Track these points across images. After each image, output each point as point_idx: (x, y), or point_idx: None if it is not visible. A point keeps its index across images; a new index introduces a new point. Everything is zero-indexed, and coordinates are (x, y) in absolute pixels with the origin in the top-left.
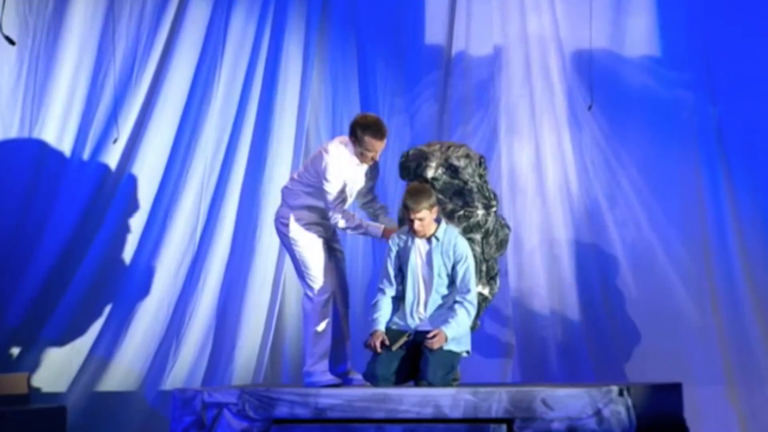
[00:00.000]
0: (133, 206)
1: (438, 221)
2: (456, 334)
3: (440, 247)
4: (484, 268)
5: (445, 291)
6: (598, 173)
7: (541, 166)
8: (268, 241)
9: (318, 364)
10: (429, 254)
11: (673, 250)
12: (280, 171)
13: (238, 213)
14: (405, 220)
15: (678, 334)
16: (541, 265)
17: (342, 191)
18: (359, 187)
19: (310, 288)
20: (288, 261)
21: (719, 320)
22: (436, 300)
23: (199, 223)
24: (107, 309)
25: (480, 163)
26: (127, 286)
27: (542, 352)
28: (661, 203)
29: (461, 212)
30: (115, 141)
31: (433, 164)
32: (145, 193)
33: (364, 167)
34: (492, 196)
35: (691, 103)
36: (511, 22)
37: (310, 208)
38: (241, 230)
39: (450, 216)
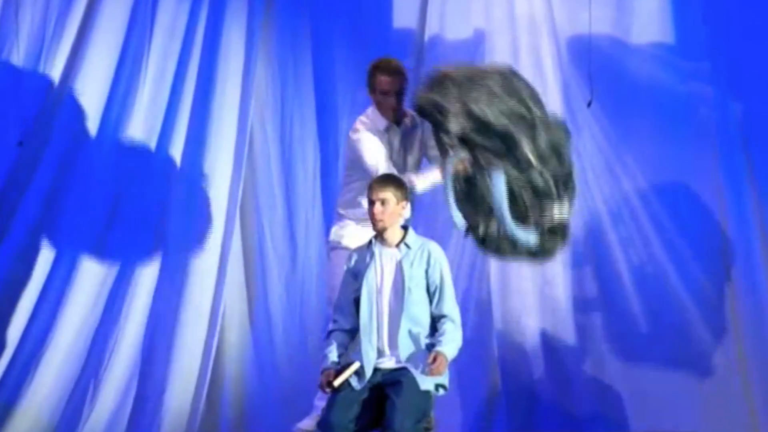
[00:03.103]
0: (42, 219)
1: (405, 228)
2: (454, 354)
3: (412, 254)
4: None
5: (420, 311)
6: (599, 182)
7: None
8: (205, 264)
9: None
10: (398, 265)
11: (689, 275)
12: (218, 179)
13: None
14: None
15: (695, 375)
16: (532, 290)
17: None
18: (410, 156)
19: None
20: (227, 287)
21: (743, 360)
22: (408, 324)
23: None
24: (10, 344)
25: (532, 96)
26: (35, 316)
27: (533, 395)
28: (674, 218)
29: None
30: (20, 143)
31: (452, 116)
32: None
33: (405, 131)
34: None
35: (709, 98)
36: (496, 2)
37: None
38: (172, 250)
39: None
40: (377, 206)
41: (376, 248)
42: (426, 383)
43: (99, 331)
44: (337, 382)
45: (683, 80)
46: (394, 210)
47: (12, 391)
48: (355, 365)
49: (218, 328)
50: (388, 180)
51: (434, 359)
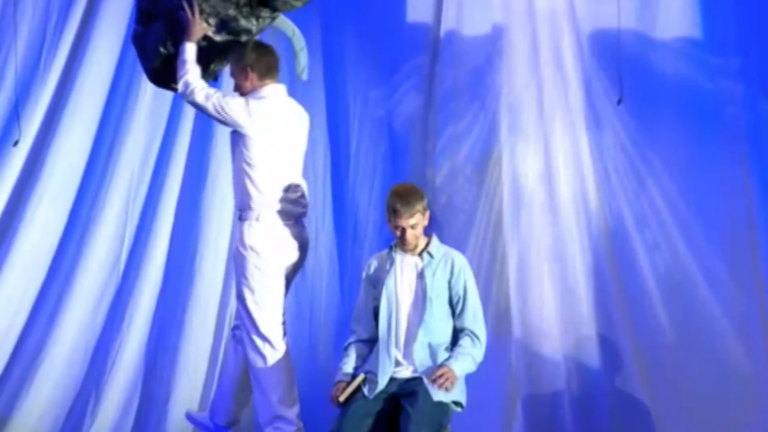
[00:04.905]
0: (40, 224)
1: (427, 236)
2: (467, 370)
3: (435, 263)
4: None
5: (440, 323)
6: (623, 184)
7: (552, 174)
8: (211, 268)
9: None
10: (421, 274)
11: (717, 281)
12: (225, 179)
13: (173, 233)
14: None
15: (723, 388)
16: (553, 298)
17: None
18: None
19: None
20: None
21: None
22: (426, 336)
23: (125, 245)
24: (6, 354)
25: None
26: (33, 325)
27: (553, 409)
28: (701, 221)
29: None
30: (16, 143)
31: None
32: (57, 208)
33: None
34: None
35: (738, 96)
36: None
37: None
38: (177, 254)
39: None
40: (410, 233)
41: (397, 255)
42: (439, 394)
43: (100, 339)
44: (342, 398)
45: (711, 77)
46: (422, 228)
47: (7, 404)
48: (359, 378)
49: (225, 335)
50: (411, 198)
51: (441, 374)
